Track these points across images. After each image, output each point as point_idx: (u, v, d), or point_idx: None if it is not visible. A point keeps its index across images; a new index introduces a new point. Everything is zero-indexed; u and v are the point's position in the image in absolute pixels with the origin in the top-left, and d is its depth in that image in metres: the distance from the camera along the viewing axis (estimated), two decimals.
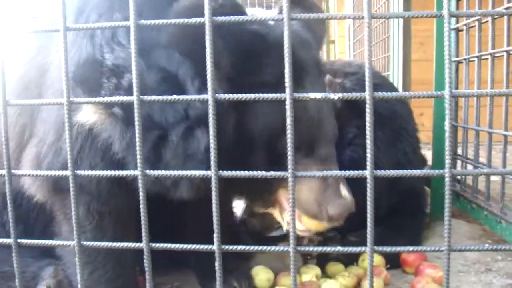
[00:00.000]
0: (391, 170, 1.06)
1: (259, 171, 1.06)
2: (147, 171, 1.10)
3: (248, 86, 1.60)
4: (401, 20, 4.02)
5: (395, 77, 4.18)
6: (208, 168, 1.41)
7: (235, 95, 1.09)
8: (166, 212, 1.94)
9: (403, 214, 2.65)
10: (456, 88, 2.93)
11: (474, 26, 2.67)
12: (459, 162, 3.00)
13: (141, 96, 1.08)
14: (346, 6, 7.48)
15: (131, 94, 1.01)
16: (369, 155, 1.03)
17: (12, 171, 1.18)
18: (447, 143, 1.02)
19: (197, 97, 1.09)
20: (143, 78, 1.57)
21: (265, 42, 1.64)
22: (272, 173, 1.04)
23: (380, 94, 1.02)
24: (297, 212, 1.79)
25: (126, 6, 1.67)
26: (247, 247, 1.10)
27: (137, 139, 1.08)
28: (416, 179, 2.71)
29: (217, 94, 1.05)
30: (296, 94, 1.02)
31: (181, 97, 1.11)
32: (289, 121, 1.01)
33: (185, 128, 1.61)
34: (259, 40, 1.64)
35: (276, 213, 1.90)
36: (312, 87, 1.78)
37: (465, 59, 2.79)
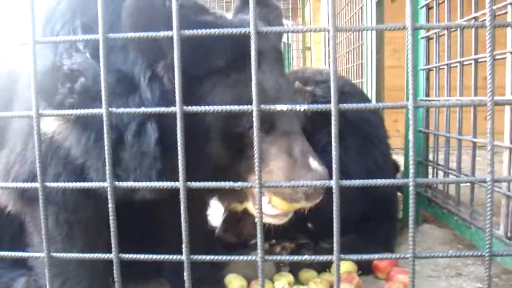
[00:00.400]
0: (357, 180, 1.08)
1: (227, 182, 1.07)
2: (116, 183, 1.10)
3: (199, 73, 1.68)
4: None
5: (369, 84, 4.24)
6: (163, 164, 1.43)
7: (203, 107, 1.09)
8: (139, 217, 1.95)
9: (375, 220, 2.67)
10: (427, 95, 2.97)
11: (444, 34, 2.73)
12: (430, 168, 3.04)
13: (110, 109, 1.08)
14: (322, 14, 7.55)
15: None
16: (334, 165, 1.05)
17: None
18: (410, 152, 1.05)
19: (166, 109, 1.10)
20: (98, 82, 1.58)
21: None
22: (239, 184, 1.06)
23: (346, 105, 1.04)
24: (267, 196, 1.80)
25: (86, 11, 1.72)
26: (216, 257, 1.11)
27: (106, 151, 1.09)
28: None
29: (185, 107, 1.06)
30: (263, 106, 1.03)
31: (150, 109, 1.13)
32: (256, 132, 1.02)
33: (138, 125, 1.63)
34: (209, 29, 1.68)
35: (250, 206, 1.88)
36: (270, 71, 1.82)
37: (435, 67, 2.84)
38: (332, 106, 1.01)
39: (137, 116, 1.64)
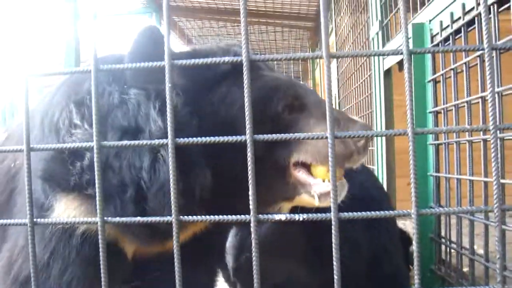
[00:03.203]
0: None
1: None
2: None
3: (210, 76, 1.75)
4: (382, 84, 4.12)
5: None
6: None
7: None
8: None
9: None
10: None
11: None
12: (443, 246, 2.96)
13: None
14: (331, 75, 7.64)
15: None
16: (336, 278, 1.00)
17: None
18: (415, 262, 1.00)
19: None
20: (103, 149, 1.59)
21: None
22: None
23: (345, 214, 1.00)
24: (308, 174, 1.75)
25: (78, 91, 1.78)
26: None
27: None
28: (399, 263, 2.69)
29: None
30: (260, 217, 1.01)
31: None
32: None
33: (150, 160, 1.62)
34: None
35: (304, 197, 1.78)
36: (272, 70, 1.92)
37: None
38: (332, 216, 0.97)
39: (146, 151, 1.63)
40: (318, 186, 1.73)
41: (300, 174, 1.75)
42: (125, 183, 1.64)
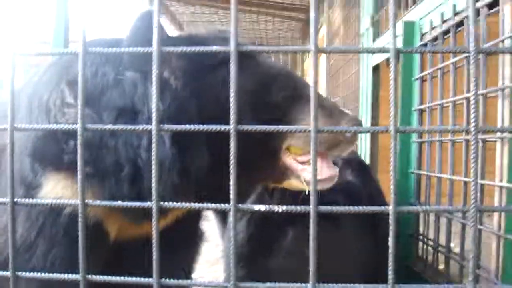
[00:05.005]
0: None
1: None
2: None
3: (212, 62, 1.77)
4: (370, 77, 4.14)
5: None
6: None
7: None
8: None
9: None
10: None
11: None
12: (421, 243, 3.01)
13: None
14: (320, 67, 7.65)
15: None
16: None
17: None
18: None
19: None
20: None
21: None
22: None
23: (325, 208, 1.01)
24: (303, 158, 1.78)
25: (70, 71, 1.77)
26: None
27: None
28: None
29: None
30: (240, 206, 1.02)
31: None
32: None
33: (149, 138, 1.62)
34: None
35: (293, 182, 1.83)
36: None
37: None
38: (311, 208, 0.98)
39: (145, 132, 1.63)
40: (307, 173, 1.76)
41: (290, 159, 1.78)
42: (120, 162, 1.65)
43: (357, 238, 2.48)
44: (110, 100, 1.69)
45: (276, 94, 1.80)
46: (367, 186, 2.68)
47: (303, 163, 1.78)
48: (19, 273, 1.10)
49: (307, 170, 1.76)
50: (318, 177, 1.75)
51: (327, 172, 1.79)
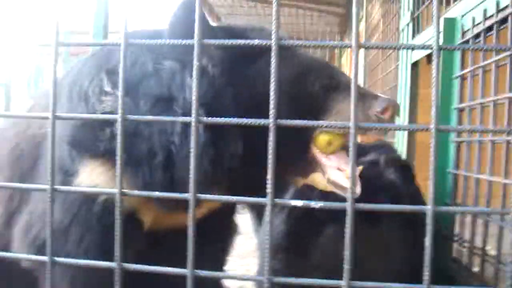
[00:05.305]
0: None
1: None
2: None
3: (250, 54, 1.78)
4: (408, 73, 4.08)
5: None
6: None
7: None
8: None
9: None
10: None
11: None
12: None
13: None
14: (360, 62, 7.57)
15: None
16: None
17: None
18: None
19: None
20: (133, 114, 1.59)
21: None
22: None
23: (362, 205, 1.00)
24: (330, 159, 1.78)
25: (109, 61, 1.80)
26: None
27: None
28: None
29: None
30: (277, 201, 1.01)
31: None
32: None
33: (182, 126, 1.64)
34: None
35: (318, 177, 1.82)
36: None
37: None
38: (349, 205, 0.98)
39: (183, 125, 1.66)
40: (333, 173, 1.76)
41: (318, 152, 1.78)
42: (154, 149, 1.68)
43: (397, 238, 2.46)
44: (147, 89, 1.71)
45: (312, 84, 1.81)
46: (408, 186, 2.65)
47: (327, 156, 1.78)
48: (57, 258, 1.12)
49: (334, 168, 1.77)
50: (343, 184, 1.74)
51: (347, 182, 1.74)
